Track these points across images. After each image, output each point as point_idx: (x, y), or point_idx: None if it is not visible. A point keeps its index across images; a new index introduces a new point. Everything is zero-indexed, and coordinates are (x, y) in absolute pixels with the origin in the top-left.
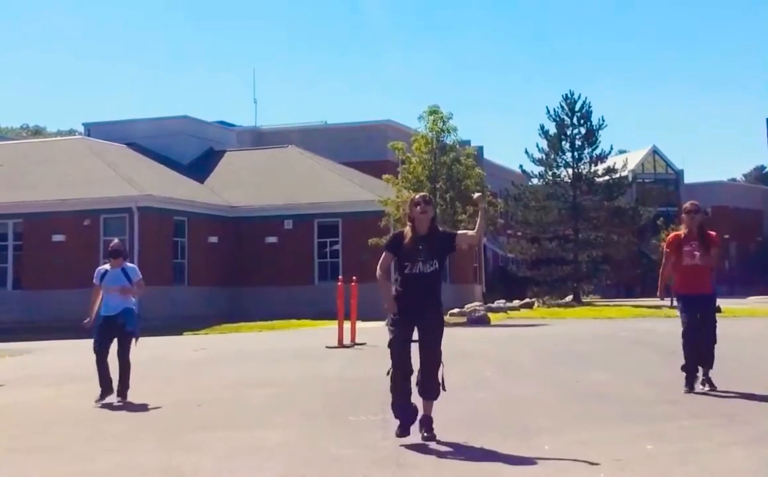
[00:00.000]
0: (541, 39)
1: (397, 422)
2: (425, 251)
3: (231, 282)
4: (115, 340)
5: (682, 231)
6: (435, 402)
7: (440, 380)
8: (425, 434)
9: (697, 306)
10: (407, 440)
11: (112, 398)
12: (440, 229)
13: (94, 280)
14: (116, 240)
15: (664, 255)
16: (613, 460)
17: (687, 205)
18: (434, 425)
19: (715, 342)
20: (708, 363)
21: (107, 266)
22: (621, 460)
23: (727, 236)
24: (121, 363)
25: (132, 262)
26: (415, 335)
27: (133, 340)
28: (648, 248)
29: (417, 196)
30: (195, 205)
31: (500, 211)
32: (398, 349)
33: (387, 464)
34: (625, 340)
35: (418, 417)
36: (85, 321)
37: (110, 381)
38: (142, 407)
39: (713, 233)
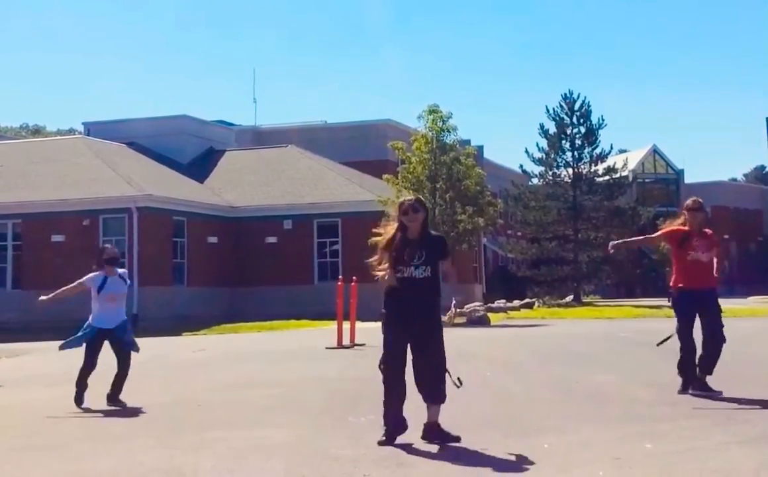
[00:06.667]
0: (540, 38)
1: (383, 429)
2: (417, 257)
3: (230, 282)
4: (108, 349)
5: (685, 226)
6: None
7: (445, 383)
8: (438, 443)
9: (699, 301)
10: (407, 441)
11: (102, 404)
12: (432, 233)
13: (86, 282)
14: (109, 246)
15: (661, 234)
16: (612, 459)
17: (690, 202)
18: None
19: (724, 341)
20: (708, 369)
21: (103, 273)
22: (620, 458)
23: (726, 236)
24: (122, 371)
25: (132, 262)
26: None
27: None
28: (648, 248)
29: (405, 204)
30: (194, 205)
31: (500, 211)
32: (391, 348)
33: (387, 464)
34: (625, 340)
35: (424, 423)
36: (41, 298)
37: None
38: (142, 407)
39: (710, 232)
